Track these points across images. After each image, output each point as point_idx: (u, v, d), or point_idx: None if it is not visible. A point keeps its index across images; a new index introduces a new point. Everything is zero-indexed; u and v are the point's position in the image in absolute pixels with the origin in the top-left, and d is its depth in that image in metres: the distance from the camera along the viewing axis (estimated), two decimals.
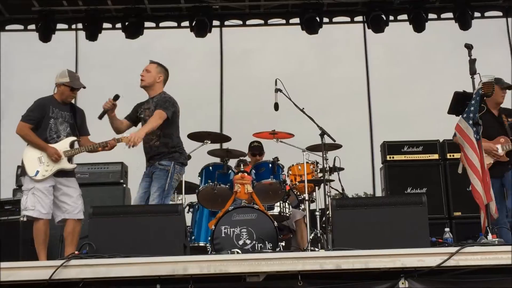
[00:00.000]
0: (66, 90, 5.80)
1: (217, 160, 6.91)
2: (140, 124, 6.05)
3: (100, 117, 5.86)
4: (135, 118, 6.11)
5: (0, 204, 7.16)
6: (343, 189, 7.07)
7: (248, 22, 9.75)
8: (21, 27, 9.71)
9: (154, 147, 5.88)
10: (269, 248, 5.73)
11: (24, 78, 10.00)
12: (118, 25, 9.44)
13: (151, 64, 6.20)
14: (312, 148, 6.84)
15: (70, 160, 5.74)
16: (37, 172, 5.55)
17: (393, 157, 7.67)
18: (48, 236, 5.63)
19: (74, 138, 5.76)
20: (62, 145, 5.68)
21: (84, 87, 5.93)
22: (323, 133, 6.40)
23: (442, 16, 9.40)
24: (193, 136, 6.74)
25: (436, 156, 7.66)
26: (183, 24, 9.62)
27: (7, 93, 10.08)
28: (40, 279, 4.17)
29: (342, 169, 6.99)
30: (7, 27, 9.73)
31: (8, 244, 6.70)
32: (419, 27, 9.08)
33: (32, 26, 9.46)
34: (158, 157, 5.83)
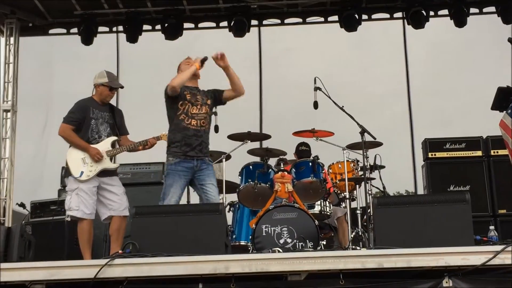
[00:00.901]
0: (105, 90, 5.89)
1: (257, 159, 6.93)
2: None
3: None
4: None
5: (46, 204, 7.31)
6: (384, 187, 7.00)
7: (286, 21, 9.73)
8: (64, 30, 9.89)
9: (205, 132, 5.86)
10: (310, 246, 5.72)
11: (68, 81, 10.18)
12: (158, 27, 9.53)
13: None
14: (352, 146, 6.80)
15: (112, 159, 5.83)
16: (82, 172, 5.66)
17: (435, 155, 7.57)
18: (92, 236, 5.73)
19: (115, 137, 5.86)
20: (104, 145, 5.77)
21: (122, 87, 6.02)
22: (363, 131, 6.36)
23: (484, 10, 9.21)
24: (233, 137, 6.78)
25: (479, 153, 7.52)
26: (221, 24, 9.65)
27: (51, 96, 10.31)
28: (86, 278, 4.25)
29: (383, 167, 6.93)
30: (51, 31, 9.93)
31: (53, 243, 6.85)
32: (460, 22, 8.92)
33: (75, 30, 9.63)
34: (206, 151, 5.84)
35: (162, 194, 5.69)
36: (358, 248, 6.08)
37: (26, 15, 9.60)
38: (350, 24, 9.11)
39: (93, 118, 5.81)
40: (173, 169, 5.69)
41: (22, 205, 7.71)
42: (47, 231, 7.01)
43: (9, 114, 9.46)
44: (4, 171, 9.28)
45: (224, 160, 6.76)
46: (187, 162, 5.70)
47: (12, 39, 9.61)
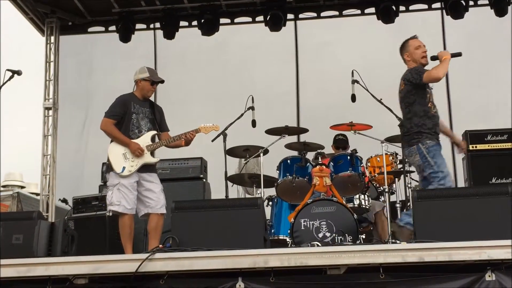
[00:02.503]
0: (147, 84, 5.96)
1: (294, 153, 6.92)
2: None
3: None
4: None
5: (88, 200, 7.42)
6: None
7: (322, 14, 9.68)
8: (103, 28, 10.03)
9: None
10: (349, 240, 5.70)
11: (106, 78, 10.32)
12: (194, 23, 9.58)
13: None
14: (391, 139, 6.73)
15: (152, 154, 5.87)
16: (124, 168, 5.72)
17: (476, 147, 7.43)
18: (133, 230, 5.80)
19: (155, 132, 5.90)
20: (144, 140, 5.82)
21: (163, 81, 6.07)
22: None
23: None
24: (271, 131, 6.78)
25: None
26: (257, 19, 9.66)
27: (90, 93, 10.46)
28: (127, 272, 4.31)
29: None
30: (90, 29, 10.08)
31: (95, 238, 6.96)
32: (500, 11, 8.74)
33: (113, 27, 9.76)
34: None
35: (440, 174, 5.51)
36: (398, 242, 6.03)
37: (66, 14, 9.77)
38: (387, 16, 9.02)
39: (134, 112, 5.87)
40: (438, 149, 5.57)
41: (64, 200, 7.85)
42: (89, 226, 7.13)
43: (50, 112, 9.64)
44: (46, 167, 9.48)
45: (262, 154, 6.77)
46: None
47: (52, 38, 9.79)
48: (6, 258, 4.47)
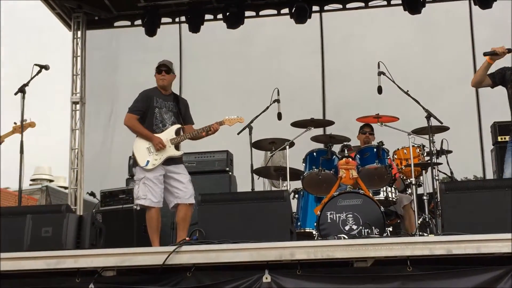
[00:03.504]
0: (156, 75, 5.97)
1: (320, 146, 6.90)
2: None
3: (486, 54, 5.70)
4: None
5: (115, 193, 7.49)
6: (451, 172, 6.86)
7: (348, 6, 9.63)
8: (128, 23, 10.10)
9: None
10: (376, 233, 5.66)
11: (132, 72, 10.38)
12: (219, 16, 9.61)
13: None
14: (418, 131, 6.66)
15: (177, 147, 5.89)
16: (148, 162, 5.77)
17: (504, 138, 7.32)
18: (160, 223, 5.84)
19: (178, 125, 5.92)
20: (168, 133, 5.85)
21: (161, 64, 5.98)
22: (429, 115, 6.22)
23: None
24: (296, 124, 6.77)
25: None
26: (282, 11, 9.64)
27: (116, 87, 10.54)
28: (155, 264, 4.35)
29: (450, 151, 6.78)
30: (116, 24, 10.16)
31: (122, 231, 7.02)
32: None
33: (139, 22, 9.83)
34: None
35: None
36: (425, 234, 5.98)
37: (92, 9, 9.86)
38: (414, 7, 8.94)
39: (156, 107, 5.90)
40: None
41: (92, 194, 7.93)
42: (116, 219, 7.19)
43: (78, 106, 9.76)
44: (74, 161, 9.60)
45: (287, 147, 6.75)
46: None
47: (79, 32, 9.89)
48: (35, 251, 4.54)
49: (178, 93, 6.78)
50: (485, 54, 5.70)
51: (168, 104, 5.97)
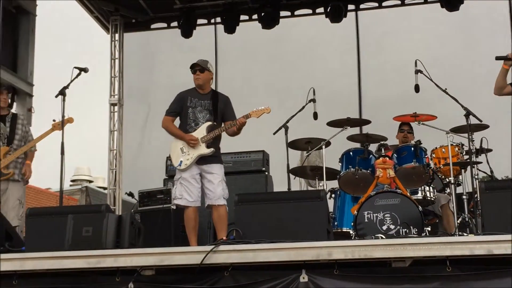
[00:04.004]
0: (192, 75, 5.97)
1: (357, 145, 6.86)
2: None
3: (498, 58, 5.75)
4: None
5: (153, 193, 7.57)
6: (492, 171, 6.74)
7: (384, 4, 9.55)
8: (165, 25, 10.21)
9: None
10: (415, 233, 5.61)
11: (169, 73, 10.48)
12: (255, 16, 9.63)
13: None
14: (456, 130, 6.58)
15: (208, 145, 5.81)
16: (181, 162, 5.80)
17: None
18: (198, 223, 5.87)
19: (209, 123, 5.86)
20: (200, 132, 5.84)
21: (195, 64, 5.97)
22: (468, 113, 6.13)
23: None
24: (332, 123, 6.75)
25: None
26: (318, 10, 9.62)
27: (153, 88, 10.66)
28: (192, 264, 4.38)
29: (490, 150, 6.66)
30: (152, 26, 10.28)
31: (161, 231, 7.09)
32: None
33: (175, 23, 9.92)
34: None
35: None
36: (465, 234, 5.89)
37: (129, 12, 10.00)
38: (451, 3, 8.82)
39: (190, 106, 5.93)
40: None
41: (130, 194, 8.04)
42: (154, 219, 7.26)
43: (116, 108, 9.90)
44: (113, 162, 9.74)
45: (324, 147, 6.73)
46: None
47: (117, 35, 10.04)
48: (76, 250, 4.62)
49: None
50: (497, 58, 5.72)
51: (204, 102, 5.95)
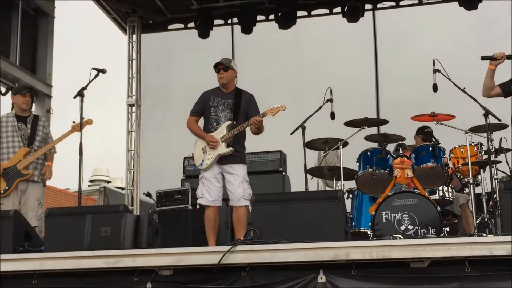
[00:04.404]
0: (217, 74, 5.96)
1: (374, 145, 6.83)
2: None
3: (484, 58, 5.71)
4: None
5: (170, 194, 7.59)
6: (511, 171, 6.68)
7: (401, 3, 9.51)
8: (182, 25, 10.25)
9: None
10: (433, 233, 5.57)
11: (185, 73, 10.52)
12: (271, 17, 9.64)
13: None
14: (475, 129, 6.53)
15: (228, 145, 5.78)
16: (202, 161, 5.82)
17: None
18: (217, 223, 5.85)
19: (229, 122, 5.84)
20: (220, 131, 5.82)
21: (218, 63, 5.96)
22: (487, 113, 6.08)
23: None
24: (350, 123, 6.72)
25: None
26: (335, 10, 9.60)
27: (170, 89, 10.70)
28: (210, 264, 4.39)
29: (510, 150, 6.61)
30: (169, 27, 10.32)
31: (178, 231, 7.11)
32: None
33: (192, 24, 9.95)
34: None
35: None
36: (484, 234, 5.84)
37: (146, 13, 10.06)
38: (470, 2, 8.75)
39: (212, 106, 5.93)
40: None
41: (148, 194, 8.07)
42: (172, 219, 7.29)
43: (133, 108, 9.96)
44: (131, 162, 9.80)
45: (341, 147, 6.72)
46: None
47: (134, 36, 10.10)
48: (95, 250, 4.65)
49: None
50: (482, 58, 5.71)
51: (227, 101, 5.92)
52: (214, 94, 5.97)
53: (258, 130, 5.82)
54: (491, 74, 5.76)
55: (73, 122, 6.36)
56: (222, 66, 5.95)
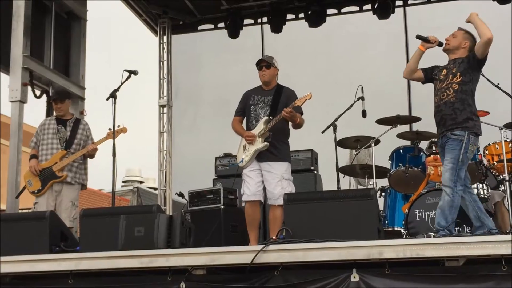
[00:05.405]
0: (259, 71, 5.97)
1: (407, 143, 6.77)
2: None
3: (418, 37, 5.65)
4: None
5: (202, 193, 7.62)
6: None
7: None
8: (212, 26, 10.29)
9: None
10: (468, 231, 5.51)
11: (215, 73, 10.55)
12: (301, 15, 9.62)
13: (458, 30, 5.93)
14: (510, 125, 6.43)
15: (266, 140, 5.74)
16: (242, 159, 5.85)
17: None
18: (257, 219, 5.82)
19: (266, 117, 5.80)
20: (258, 127, 5.81)
21: (261, 60, 6.00)
22: None
23: None
24: (382, 121, 6.68)
25: None
26: (365, 7, 9.54)
27: (201, 89, 10.75)
28: (243, 263, 4.41)
29: None
30: (199, 27, 10.37)
31: (211, 230, 7.14)
32: None
33: (222, 24, 9.98)
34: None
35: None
36: None
37: (177, 14, 10.12)
38: None
39: (252, 104, 5.94)
40: None
41: (180, 194, 8.11)
42: (204, 218, 7.32)
43: (165, 109, 10.03)
44: (163, 163, 9.87)
45: (373, 145, 6.68)
46: None
47: (165, 37, 10.17)
48: (129, 250, 4.70)
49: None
50: (417, 36, 5.52)
51: (267, 98, 5.91)
52: (254, 92, 5.99)
53: (294, 123, 5.78)
54: (419, 55, 5.54)
55: (109, 129, 6.44)
56: (265, 63, 5.97)
